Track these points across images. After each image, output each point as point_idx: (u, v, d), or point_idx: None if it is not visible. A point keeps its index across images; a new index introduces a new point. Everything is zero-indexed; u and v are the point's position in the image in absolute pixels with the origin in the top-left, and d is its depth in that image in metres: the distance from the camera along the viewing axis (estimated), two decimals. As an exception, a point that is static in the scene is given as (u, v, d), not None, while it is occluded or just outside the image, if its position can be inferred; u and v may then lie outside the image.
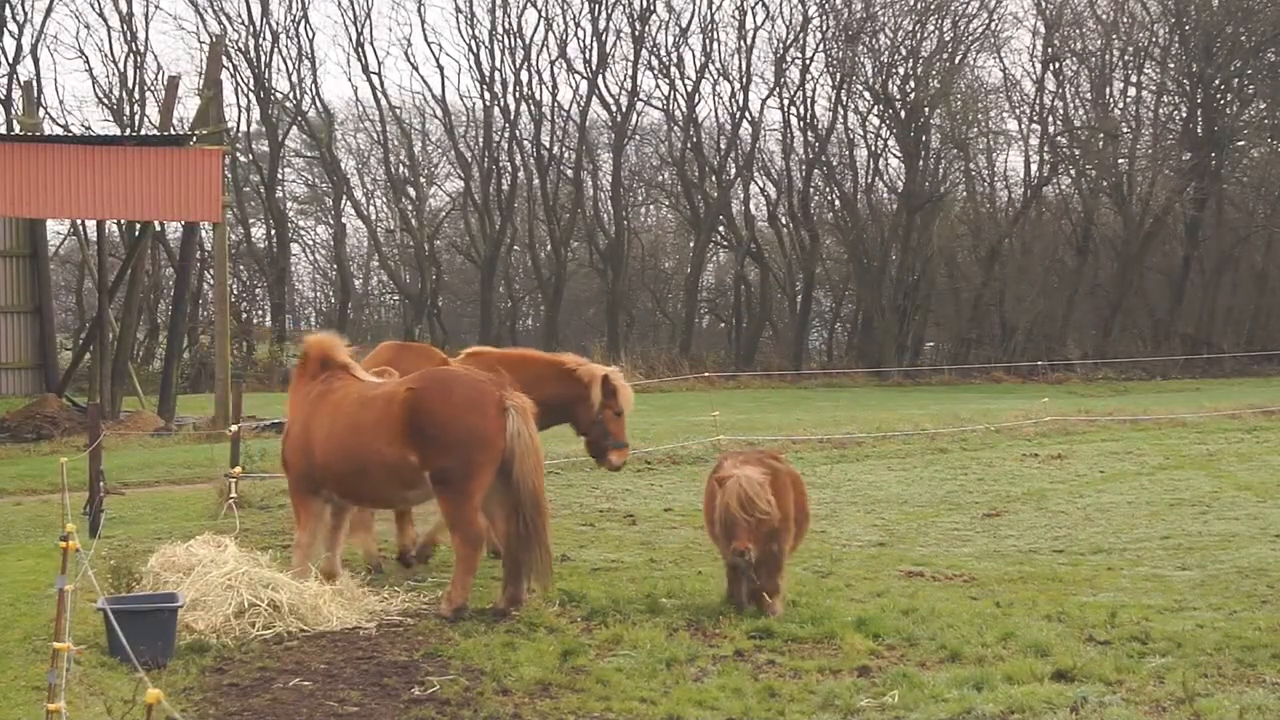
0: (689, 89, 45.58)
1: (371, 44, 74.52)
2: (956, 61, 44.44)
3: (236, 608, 9.43)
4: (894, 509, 15.52)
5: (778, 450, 10.69)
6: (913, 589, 10.94)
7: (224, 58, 33.33)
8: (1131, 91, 46.21)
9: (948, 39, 44.21)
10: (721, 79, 46.17)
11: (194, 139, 25.36)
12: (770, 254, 47.20)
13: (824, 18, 44.97)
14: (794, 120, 45.61)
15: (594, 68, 45.16)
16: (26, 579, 11.08)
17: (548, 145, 46.03)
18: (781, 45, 45.16)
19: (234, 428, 16.58)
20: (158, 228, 34.72)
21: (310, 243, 54.20)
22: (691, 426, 22.76)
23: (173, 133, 27.99)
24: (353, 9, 49.51)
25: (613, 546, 12.85)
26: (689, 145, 45.63)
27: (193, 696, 7.98)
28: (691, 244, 47.88)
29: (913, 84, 44.39)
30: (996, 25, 44.94)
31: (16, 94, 39.05)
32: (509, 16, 45.47)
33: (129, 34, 43.27)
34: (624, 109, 45.92)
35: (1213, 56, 43.68)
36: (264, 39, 44.67)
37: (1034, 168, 46.24)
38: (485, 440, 9.70)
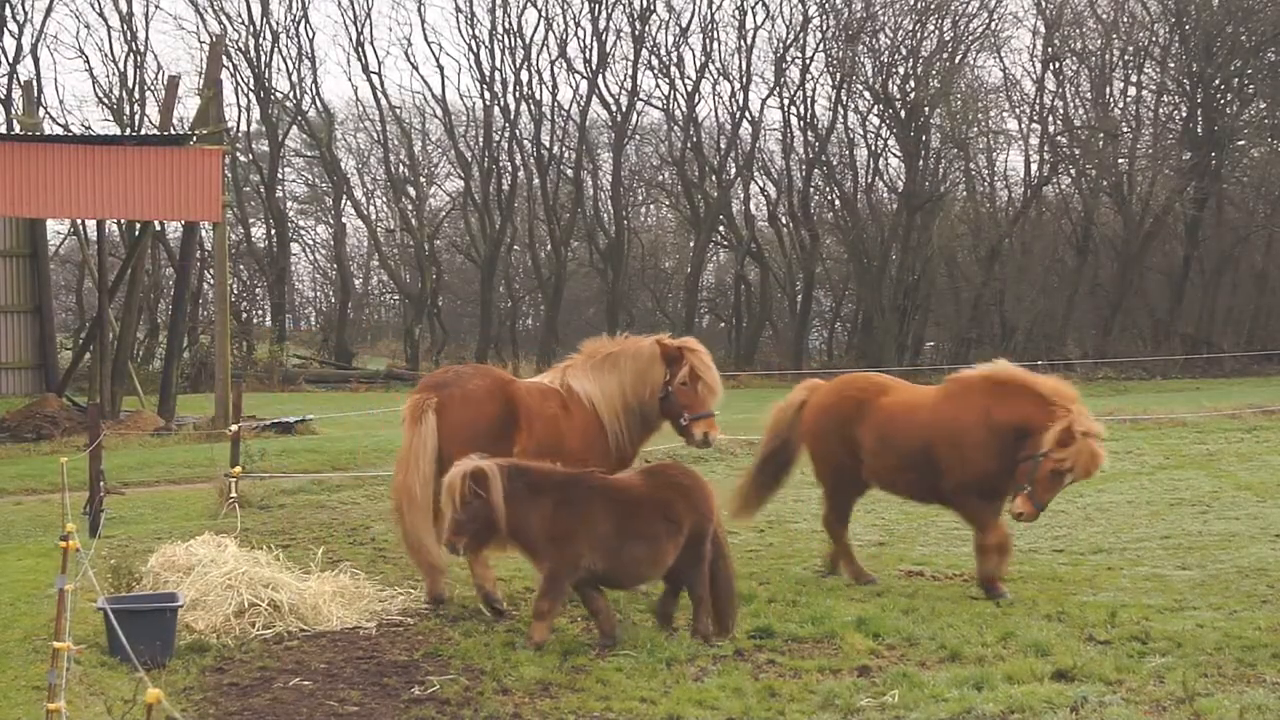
0: (689, 89, 45.60)
1: (371, 44, 74.58)
2: (956, 61, 44.41)
3: (236, 607, 9.44)
4: (894, 509, 15.48)
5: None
6: (913, 589, 10.96)
7: (224, 57, 33.30)
8: (1131, 91, 46.22)
9: (948, 39, 44.19)
10: (721, 79, 46.21)
11: (194, 139, 25.32)
12: (770, 254, 47.19)
13: (824, 17, 44.98)
14: (794, 120, 45.65)
15: (594, 67, 45.15)
16: (26, 579, 11.08)
17: (548, 145, 46.02)
18: (781, 45, 45.19)
19: (234, 427, 16.58)
20: (158, 227, 34.70)
21: (310, 242, 54.28)
22: (691, 426, 22.62)
23: (173, 133, 27.96)
24: (353, 9, 49.52)
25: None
26: (689, 145, 45.61)
27: (193, 696, 7.98)
28: (691, 244, 47.89)
29: (913, 84, 44.36)
30: (996, 25, 44.95)
31: (16, 94, 39.02)
32: (509, 16, 45.49)
33: (129, 34, 43.30)
34: (624, 109, 45.92)
35: (1213, 56, 43.65)
36: (264, 39, 44.72)
37: (1034, 167, 46.25)
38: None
